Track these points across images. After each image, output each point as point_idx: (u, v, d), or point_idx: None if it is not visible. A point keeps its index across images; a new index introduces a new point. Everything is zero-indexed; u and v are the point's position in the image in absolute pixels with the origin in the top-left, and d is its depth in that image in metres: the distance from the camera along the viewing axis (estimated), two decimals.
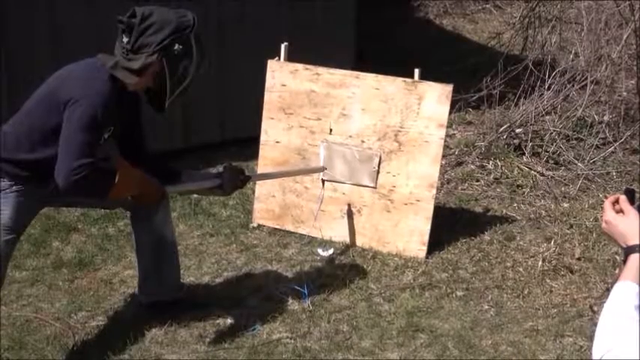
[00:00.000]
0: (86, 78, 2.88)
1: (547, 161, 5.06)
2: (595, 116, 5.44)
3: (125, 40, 2.86)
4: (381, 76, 4.10)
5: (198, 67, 2.94)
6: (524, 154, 5.12)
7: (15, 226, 2.97)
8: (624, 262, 1.66)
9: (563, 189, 4.80)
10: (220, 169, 3.38)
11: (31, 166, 2.90)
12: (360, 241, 4.14)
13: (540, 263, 3.91)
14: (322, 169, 4.15)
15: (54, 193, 2.90)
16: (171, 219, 3.48)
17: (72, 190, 2.81)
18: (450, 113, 4.09)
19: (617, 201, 1.74)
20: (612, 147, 5.16)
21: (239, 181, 3.30)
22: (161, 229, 3.31)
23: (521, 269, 3.91)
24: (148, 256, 3.37)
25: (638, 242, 1.65)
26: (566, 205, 4.60)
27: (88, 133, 2.79)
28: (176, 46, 2.86)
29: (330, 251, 4.09)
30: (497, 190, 4.82)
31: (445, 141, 4.12)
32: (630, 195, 1.74)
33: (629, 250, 1.66)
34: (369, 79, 4.11)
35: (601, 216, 1.76)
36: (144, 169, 3.06)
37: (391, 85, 4.06)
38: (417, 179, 4.01)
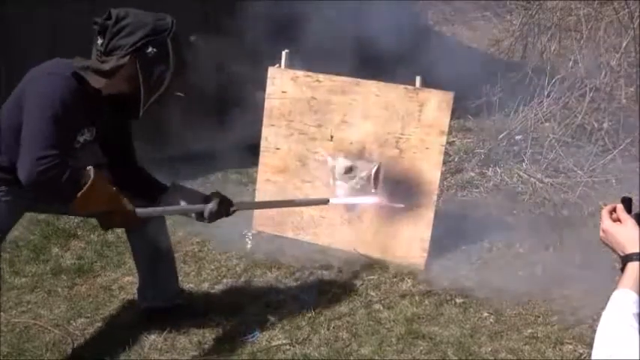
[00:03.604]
0: (48, 73, 2.82)
1: (546, 168, 5.06)
2: (594, 123, 5.45)
3: (99, 42, 2.78)
4: (381, 83, 4.11)
5: (177, 73, 2.82)
6: (523, 161, 5.12)
7: (1, 225, 2.96)
8: (622, 270, 1.67)
9: (562, 196, 4.80)
10: (209, 193, 3.14)
11: (9, 169, 2.81)
12: (360, 248, 4.14)
13: (540, 270, 3.91)
14: (326, 202, 3.70)
15: (35, 197, 2.86)
16: (166, 226, 3.42)
17: (36, 183, 2.66)
18: (450, 120, 4.10)
19: (614, 210, 1.75)
20: (612, 154, 5.17)
21: (224, 211, 3.06)
22: (155, 236, 3.26)
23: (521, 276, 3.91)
24: (144, 264, 3.37)
25: (635, 250, 1.65)
26: (565, 212, 4.60)
27: (50, 124, 2.69)
28: (150, 49, 2.75)
29: (330, 258, 4.08)
30: (497, 197, 4.83)
31: (445, 148, 4.12)
32: (627, 204, 1.74)
33: (626, 259, 1.67)
34: (370, 86, 4.12)
35: (600, 224, 1.77)
36: (130, 181, 3.01)
37: (392, 92, 4.07)
38: (418, 186, 4.01)
